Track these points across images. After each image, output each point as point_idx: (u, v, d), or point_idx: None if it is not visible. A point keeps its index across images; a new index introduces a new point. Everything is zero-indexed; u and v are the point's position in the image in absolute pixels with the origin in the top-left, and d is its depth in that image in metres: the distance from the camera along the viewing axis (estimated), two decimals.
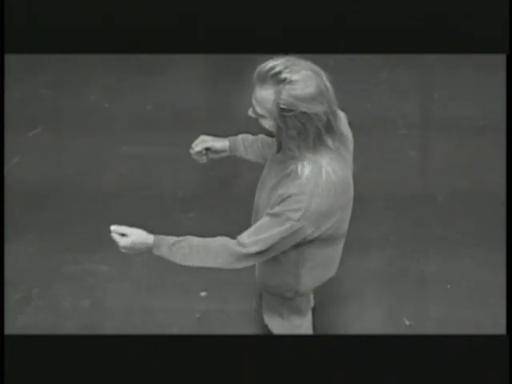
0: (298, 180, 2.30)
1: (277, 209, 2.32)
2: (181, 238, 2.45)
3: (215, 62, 4.70)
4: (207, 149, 2.73)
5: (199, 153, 2.73)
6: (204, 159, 2.76)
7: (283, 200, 2.31)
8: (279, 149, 2.48)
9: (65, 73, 4.66)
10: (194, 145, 2.73)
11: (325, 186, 2.29)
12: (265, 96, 2.23)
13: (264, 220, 2.36)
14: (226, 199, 3.99)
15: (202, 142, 2.72)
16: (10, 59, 4.40)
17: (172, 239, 2.44)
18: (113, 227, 2.44)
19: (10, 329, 3.42)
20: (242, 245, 2.38)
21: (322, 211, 2.31)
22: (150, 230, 3.81)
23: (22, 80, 4.60)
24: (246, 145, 2.75)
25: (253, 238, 2.36)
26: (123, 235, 2.45)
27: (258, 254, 2.38)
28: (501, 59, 4.32)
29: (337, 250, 2.58)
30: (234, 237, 2.43)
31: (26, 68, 4.66)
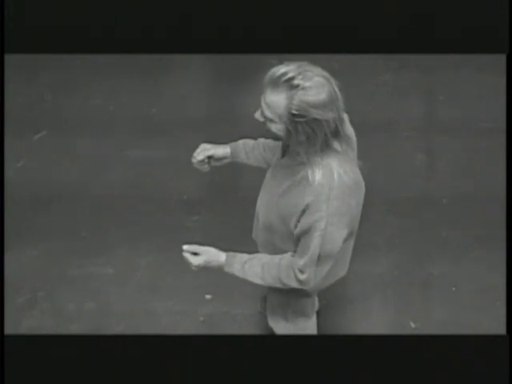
0: (310, 187, 2.31)
1: (302, 225, 2.34)
2: (252, 256, 2.50)
3: (219, 64, 4.69)
4: (209, 157, 2.73)
5: (201, 161, 2.73)
6: (206, 167, 2.76)
7: (303, 212, 2.33)
8: (284, 153, 2.48)
9: (68, 75, 4.65)
10: (195, 154, 2.73)
11: (339, 188, 2.31)
12: (276, 101, 2.23)
13: (301, 243, 2.39)
14: (230, 202, 3.98)
15: (204, 151, 2.72)
16: (10, 59, 4.38)
17: (244, 257, 2.50)
18: (185, 247, 2.50)
19: (15, 332, 3.42)
20: (300, 270, 2.42)
21: (343, 211, 2.33)
22: (153, 233, 3.85)
23: (25, 82, 4.60)
24: (248, 150, 2.76)
25: (306, 260, 2.39)
26: (195, 254, 2.50)
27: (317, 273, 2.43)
28: (501, 59, 4.31)
29: (348, 247, 2.59)
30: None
31: (28, 70, 4.66)
